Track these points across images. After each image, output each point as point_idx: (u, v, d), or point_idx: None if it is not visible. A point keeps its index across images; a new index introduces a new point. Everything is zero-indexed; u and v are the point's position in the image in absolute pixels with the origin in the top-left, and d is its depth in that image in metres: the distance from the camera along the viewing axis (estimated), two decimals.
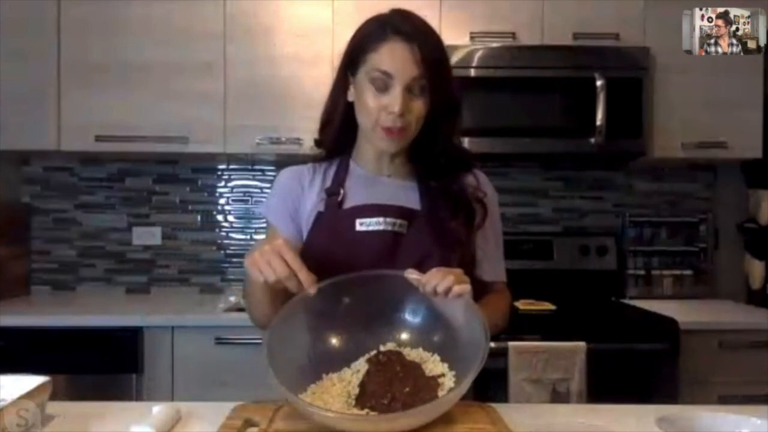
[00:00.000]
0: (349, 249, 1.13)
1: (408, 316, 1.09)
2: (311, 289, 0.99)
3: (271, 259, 0.95)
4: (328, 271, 1.08)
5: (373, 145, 1.18)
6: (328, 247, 1.13)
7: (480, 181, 1.25)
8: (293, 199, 1.21)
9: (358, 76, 1.13)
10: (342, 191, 1.19)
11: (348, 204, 1.19)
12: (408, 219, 1.17)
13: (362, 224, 1.15)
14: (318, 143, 1.25)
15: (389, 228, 1.15)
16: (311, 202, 1.20)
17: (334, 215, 1.17)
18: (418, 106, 1.11)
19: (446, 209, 1.18)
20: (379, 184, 1.21)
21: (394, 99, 1.08)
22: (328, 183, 1.21)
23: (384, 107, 1.10)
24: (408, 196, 1.20)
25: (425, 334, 1.07)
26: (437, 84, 1.11)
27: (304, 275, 0.97)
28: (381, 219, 1.15)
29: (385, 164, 1.22)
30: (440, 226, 1.16)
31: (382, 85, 1.09)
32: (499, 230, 1.29)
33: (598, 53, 2.34)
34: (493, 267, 1.27)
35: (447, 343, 1.04)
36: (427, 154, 1.19)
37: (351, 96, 1.16)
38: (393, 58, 1.08)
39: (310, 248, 1.15)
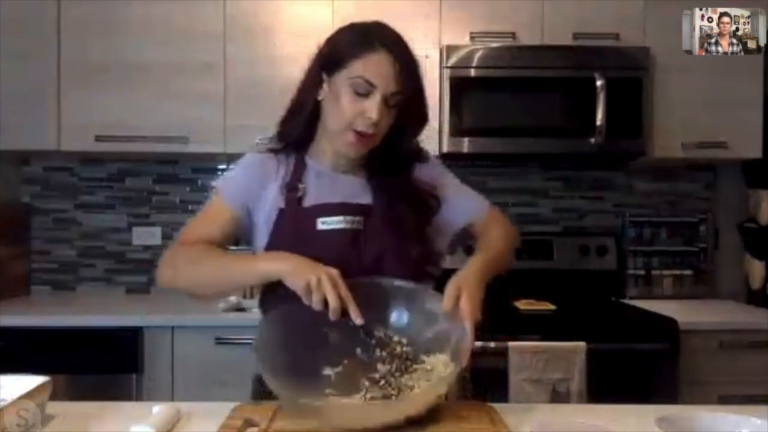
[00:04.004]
0: (313, 248, 1.14)
1: (395, 320, 1.12)
2: (358, 321, 1.04)
3: (328, 291, 1.01)
4: None
5: (334, 146, 1.20)
6: (292, 247, 1.13)
7: (425, 167, 1.28)
8: (256, 186, 1.22)
9: (336, 78, 1.15)
10: (301, 187, 1.21)
11: (308, 201, 1.21)
12: (365, 215, 1.20)
13: (324, 223, 1.18)
14: (281, 135, 1.26)
15: (349, 226, 1.18)
16: (272, 195, 1.21)
17: (295, 213, 1.19)
18: (389, 117, 1.16)
19: (400, 204, 1.21)
20: (336, 181, 1.24)
21: (372, 106, 1.12)
22: (288, 177, 1.23)
23: (361, 112, 1.13)
24: (362, 191, 1.23)
25: (415, 334, 1.10)
26: (411, 100, 1.17)
27: (354, 310, 1.04)
28: (342, 218, 1.18)
29: (343, 162, 1.24)
30: (396, 221, 1.20)
31: (364, 91, 1.13)
32: (456, 181, 1.32)
33: (598, 53, 2.34)
34: (461, 210, 1.29)
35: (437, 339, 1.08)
36: (386, 155, 1.22)
37: (322, 95, 1.18)
38: (378, 70, 1.12)
39: (275, 247, 1.17)
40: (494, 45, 2.35)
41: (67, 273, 2.69)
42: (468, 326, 1.04)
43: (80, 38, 2.34)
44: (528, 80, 2.33)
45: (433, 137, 2.34)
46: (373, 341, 1.09)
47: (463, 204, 1.30)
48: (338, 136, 1.17)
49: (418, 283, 1.15)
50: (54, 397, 1.01)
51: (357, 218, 1.19)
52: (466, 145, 2.33)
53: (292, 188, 1.21)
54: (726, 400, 2.01)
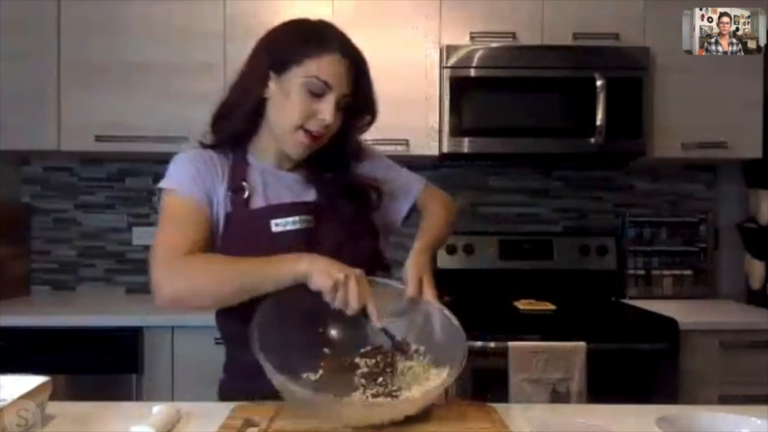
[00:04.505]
0: (269, 251, 1.11)
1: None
2: (378, 324, 1.04)
3: (351, 291, 1.01)
4: None
5: (280, 145, 1.19)
6: (247, 251, 1.10)
7: (366, 163, 1.29)
8: (209, 180, 1.17)
9: (287, 76, 1.13)
10: (246, 187, 1.18)
11: (255, 202, 1.18)
12: (314, 213, 1.19)
13: (277, 225, 1.16)
14: (215, 130, 1.22)
15: (302, 225, 1.17)
16: (220, 196, 1.17)
17: (244, 215, 1.17)
18: (338, 119, 1.16)
19: (343, 200, 1.21)
20: (281, 179, 1.22)
21: (327, 107, 1.12)
22: (230, 177, 1.19)
23: (314, 113, 1.12)
24: (306, 189, 1.23)
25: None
26: (362, 104, 1.18)
27: (373, 311, 1.04)
28: (296, 218, 1.17)
29: (286, 159, 1.23)
30: (343, 217, 1.20)
31: (319, 91, 1.12)
32: (394, 169, 1.36)
33: (598, 53, 2.34)
34: (404, 193, 1.34)
35: (432, 345, 1.10)
36: (330, 153, 1.21)
37: (268, 93, 1.16)
38: (334, 70, 1.12)
39: (228, 252, 1.13)
40: (494, 45, 2.35)
41: (67, 273, 2.69)
42: (439, 306, 1.11)
43: (80, 38, 2.34)
44: (528, 80, 2.33)
45: (433, 137, 2.35)
46: (392, 345, 1.08)
47: (404, 192, 1.34)
48: (287, 136, 1.15)
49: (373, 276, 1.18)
50: (54, 397, 1.01)
51: (308, 217, 1.18)
52: (466, 145, 2.33)
53: (237, 189, 1.17)
54: (726, 400, 2.02)
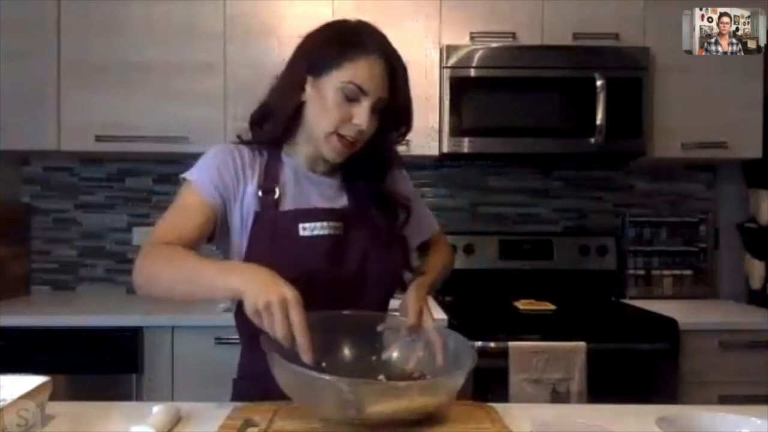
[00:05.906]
0: (295, 254, 1.12)
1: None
2: (305, 358, 0.91)
3: (276, 319, 0.89)
4: None
5: (314, 148, 1.17)
6: (273, 254, 1.11)
7: (399, 180, 1.30)
8: (231, 181, 1.15)
9: (323, 80, 1.11)
10: (277, 189, 1.17)
11: (285, 203, 1.17)
12: (343, 220, 1.18)
13: (305, 229, 1.15)
14: (255, 134, 1.22)
15: (331, 232, 1.16)
16: (249, 195, 1.16)
17: (273, 217, 1.15)
18: (374, 123, 1.13)
19: (374, 209, 1.21)
20: (314, 183, 1.21)
21: (362, 113, 1.10)
22: (263, 176, 1.18)
23: (349, 118, 1.11)
24: (338, 194, 1.22)
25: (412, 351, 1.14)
26: (398, 107, 1.14)
27: (304, 343, 0.90)
28: (325, 223, 1.16)
29: (321, 163, 1.22)
30: (374, 227, 1.19)
31: (354, 96, 1.10)
32: (419, 199, 1.37)
33: (598, 53, 2.34)
34: (424, 226, 1.36)
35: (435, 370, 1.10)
36: (365, 159, 1.19)
37: (305, 96, 1.15)
38: (371, 76, 1.10)
39: (254, 252, 1.13)
40: (494, 45, 2.35)
41: (67, 273, 2.69)
42: (440, 328, 1.15)
43: (80, 38, 2.34)
44: (528, 80, 2.33)
45: (433, 137, 2.35)
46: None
47: (426, 221, 1.37)
48: (322, 141, 1.13)
49: (394, 291, 1.21)
50: (54, 397, 1.01)
51: (337, 224, 1.17)
52: (466, 145, 2.33)
53: (267, 190, 1.16)
54: (726, 400, 2.02)
